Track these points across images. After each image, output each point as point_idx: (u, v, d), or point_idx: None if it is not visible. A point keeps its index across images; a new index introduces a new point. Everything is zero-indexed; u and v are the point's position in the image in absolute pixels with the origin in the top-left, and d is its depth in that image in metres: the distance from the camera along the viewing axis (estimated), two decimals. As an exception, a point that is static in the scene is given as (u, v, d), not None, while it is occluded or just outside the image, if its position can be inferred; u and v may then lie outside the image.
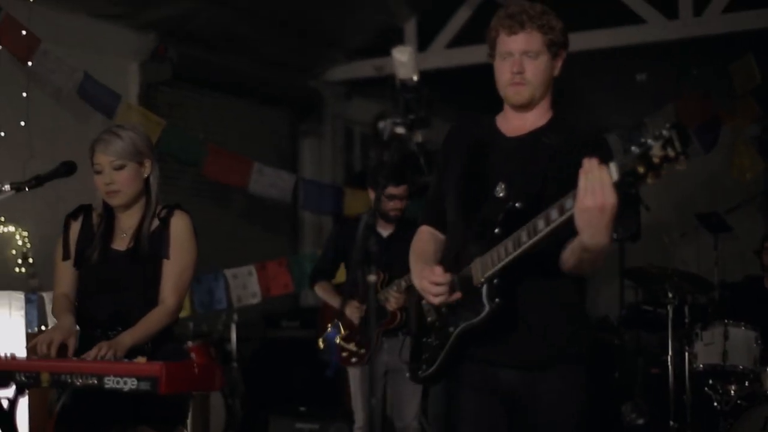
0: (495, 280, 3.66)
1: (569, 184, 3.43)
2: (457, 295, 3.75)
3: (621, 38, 10.09)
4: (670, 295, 7.63)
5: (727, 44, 9.93)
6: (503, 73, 3.96)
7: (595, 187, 3.24)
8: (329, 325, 7.25)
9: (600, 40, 10.09)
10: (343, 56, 11.43)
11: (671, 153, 3.05)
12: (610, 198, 3.22)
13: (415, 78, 3.40)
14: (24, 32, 7.83)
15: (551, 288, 3.80)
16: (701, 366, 7.59)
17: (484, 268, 3.68)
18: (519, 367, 3.82)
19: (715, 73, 10.29)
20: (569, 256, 3.59)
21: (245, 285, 8.92)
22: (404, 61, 3.40)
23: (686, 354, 7.68)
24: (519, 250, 3.54)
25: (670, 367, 7.78)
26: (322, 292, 7.39)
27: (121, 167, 4.76)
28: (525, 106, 3.97)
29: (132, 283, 4.77)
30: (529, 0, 4.03)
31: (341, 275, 7.66)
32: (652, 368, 9.71)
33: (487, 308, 3.67)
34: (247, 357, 9.87)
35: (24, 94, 8.02)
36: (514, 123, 3.99)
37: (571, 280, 3.80)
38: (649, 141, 3.10)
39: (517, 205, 3.67)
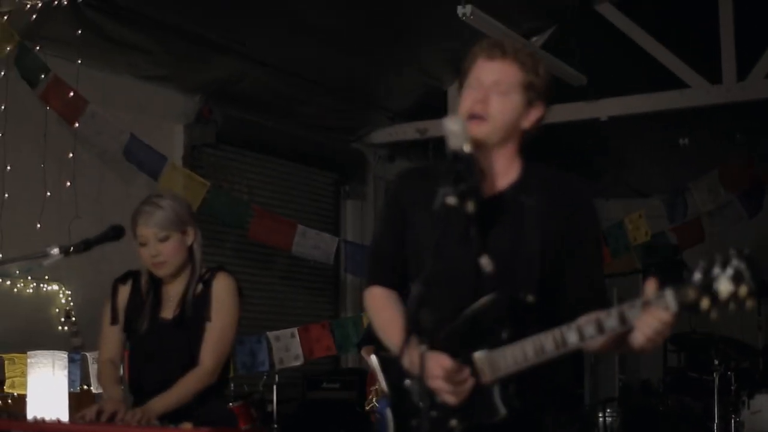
0: (511, 384, 3.38)
1: (566, 260, 3.40)
2: (471, 382, 3.40)
3: (664, 103, 10.04)
4: (716, 361, 7.55)
5: (770, 109, 9.89)
6: (464, 103, 3.53)
7: (658, 338, 3.08)
8: (372, 390, 7.23)
9: (643, 104, 10.06)
10: (387, 119, 11.44)
11: (742, 292, 2.85)
12: (668, 334, 3.08)
13: (467, 148, 3.33)
14: (71, 94, 7.89)
15: (552, 369, 3.45)
16: (748, 434, 7.50)
17: (494, 367, 3.37)
18: None
19: (759, 138, 10.25)
20: (602, 346, 3.33)
21: (288, 347, 8.88)
22: (456, 131, 3.33)
23: (733, 421, 7.59)
24: (541, 359, 3.29)
25: (716, 434, 7.68)
26: (368, 356, 7.37)
27: (165, 239, 4.74)
28: (478, 146, 3.42)
29: (178, 350, 4.75)
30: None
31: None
32: (696, 435, 9.60)
33: (504, 412, 3.38)
34: (288, 418, 9.82)
35: (70, 155, 8.07)
36: None
37: (567, 363, 3.52)
38: (716, 270, 2.90)
39: (529, 299, 3.42)
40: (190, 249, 4.87)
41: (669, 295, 3.02)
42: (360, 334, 8.55)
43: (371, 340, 7.47)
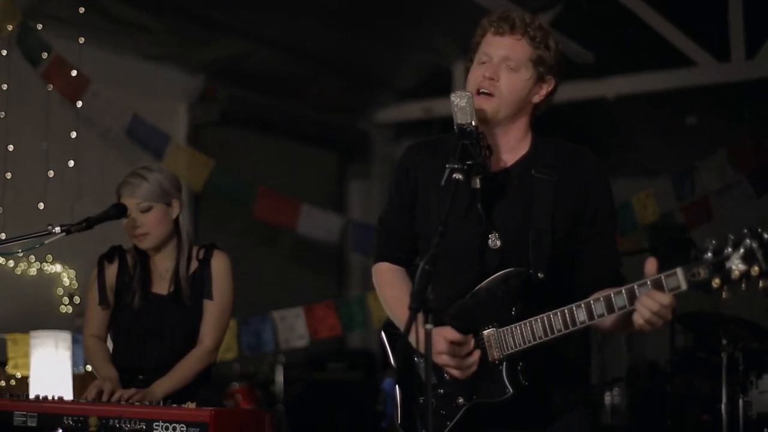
0: (520, 363, 3.40)
1: (577, 235, 3.37)
2: (477, 355, 3.43)
3: (671, 81, 9.97)
4: (724, 342, 7.49)
5: (780, 87, 9.82)
6: (475, 77, 3.52)
7: (660, 321, 3.10)
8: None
9: (650, 82, 10.01)
10: (392, 98, 11.41)
11: (754, 271, 2.86)
12: (670, 317, 3.08)
13: (474, 123, 3.30)
14: (74, 73, 7.85)
15: (561, 352, 3.51)
16: (756, 414, 7.45)
17: (502, 345, 3.39)
18: (524, 426, 3.52)
19: (769, 117, 10.18)
20: (612, 324, 3.34)
21: (293, 327, 8.85)
22: (462, 106, 3.30)
23: (741, 402, 7.53)
24: (550, 338, 3.31)
25: (723, 415, 7.62)
26: None
27: (148, 209, 4.72)
28: (485, 122, 3.46)
29: (177, 330, 4.73)
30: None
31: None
32: (704, 416, 9.55)
33: (511, 391, 3.38)
34: (293, 399, 9.81)
35: (73, 135, 8.03)
36: None
37: (578, 339, 3.54)
38: (728, 249, 2.91)
39: (540, 275, 3.40)
40: (176, 222, 4.83)
41: (680, 273, 3.02)
42: (367, 313, 8.53)
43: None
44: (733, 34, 9.50)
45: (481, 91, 3.48)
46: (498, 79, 3.47)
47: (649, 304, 3.09)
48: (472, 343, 3.42)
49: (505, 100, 3.48)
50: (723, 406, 7.65)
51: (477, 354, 3.41)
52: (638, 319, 3.14)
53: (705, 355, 8.74)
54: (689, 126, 11.48)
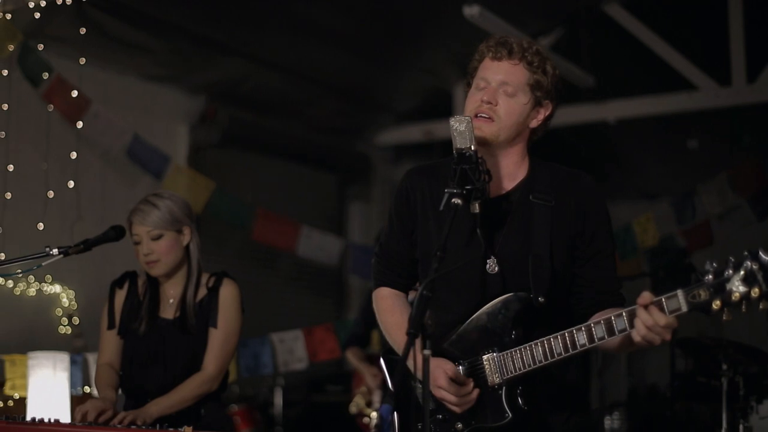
0: (520, 387, 3.40)
1: (575, 259, 3.38)
2: (476, 393, 3.42)
3: (672, 105, 9.97)
4: (725, 366, 7.47)
5: (781, 111, 9.82)
6: (471, 103, 3.53)
7: (656, 338, 3.11)
8: (358, 391, 7.28)
9: (651, 106, 10.00)
10: (392, 120, 11.41)
11: (755, 292, 2.87)
12: (668, 337, 3.09)
13: (473, 147, 3.29)
14: (74, 93, 7.85)
15: (560, 375, 3.53)
16: (756, 440, 7.42)
17: (501, 369, 3.39)
18: None
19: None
20: (613, 346, 3.34)
21: (292, 350, 8.82)
22: (462, 130, 3.30)
23: (741, 427, 7.51)
24: (551, 362, 3.31)
25: (724, 440, 7.60)
26: (352, 357, 7.46)
27: (158, 237, 4.72)
28: (485, 145, 3.48)
29: (181, 355, 4.73)
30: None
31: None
32: (704, 441, 9.54)
33: (510, 416, 3.38)
34: (292, 421, 9.78)
35: (73, 155, 8.02)
36: None
37: (577, 361, 3.53)
38: (729, 272, 2.93)
39: (540, 300, 3.39)
40: (187, 249, 4.82)
41: (680, 295, 3.04)
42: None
43: (357, 341, 7.52)
44: (734, 59, 9.51)
45: (479, 115, 3.48)
46: (496, 103, 3.48)
47: (647, 320, 3.09)
48: (472, 384, 3.41)
49: (504, 125, 3.48)
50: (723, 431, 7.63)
51: (476, 392, 3.41)
52: (635, 335, 3.15)
53: (705, 379, 8.72)
54: (690, 150, 11.48)
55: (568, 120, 9.69)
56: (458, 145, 3.31)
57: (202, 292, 4.83)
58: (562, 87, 3.63)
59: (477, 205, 3.29)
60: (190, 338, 4.75)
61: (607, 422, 9.64)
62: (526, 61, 3.50)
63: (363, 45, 9.59)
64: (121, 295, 4.90)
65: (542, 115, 3.57)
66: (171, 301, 4.84)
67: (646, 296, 3.12)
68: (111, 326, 4.87)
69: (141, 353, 4.79)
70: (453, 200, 3.22)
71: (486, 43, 3.58)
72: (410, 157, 11.93)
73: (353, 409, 7.58)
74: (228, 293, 4.82)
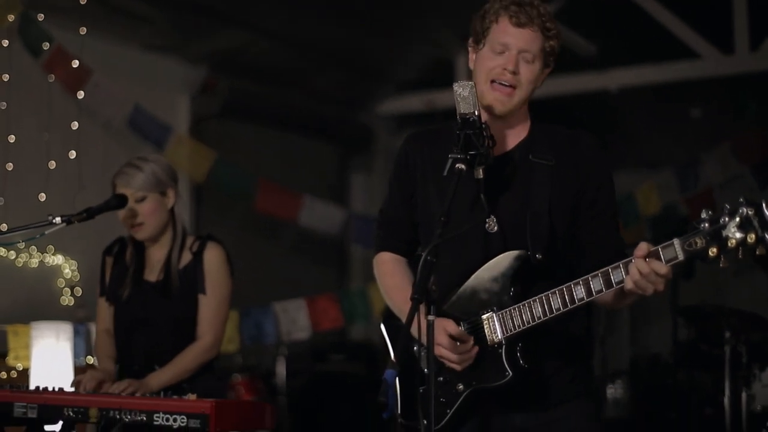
0: (519, 344, 3.38)
1: (577, 218, 3.37)
2: (475, 350, 3.41)
3: (676, 73, 9.94)
4: (727, 334, 7.47)
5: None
6: (491, 67, 3.47)
7: (649, 287, 3.10)
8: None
9: (654, 75, 9.97)
10: (394, 90, 11.38)
11: (751, 238, 2.88)
12: (664, 287, 3.08)
13: (477, 113, 3.28)
14: (75, 64, 7.83)
15: (562, 330, 3.51)
16: (759, 407, 7.42)
17: (502, 327, 3.37)
18: (529, 409, 3.51)
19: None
20: (609, 299, 3.35)
21: (295, 319, 8.85)
22: (465, 96, 3.28)
23: (744, 395, 7.51)
24: (550, 317, 3.30)
25: (726, 408, 7.60)
26: None
27: (142, 199, 4.72)
28: (502, 117, 3.49)
29: (163, 321, 4.72)
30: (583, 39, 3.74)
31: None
32: (706, 409, 9.53)
33: (510, 374, 3.37)
34: (295, 390, 9.80)
35: (74, 126, 8.00)
36: None
37: (580, 316, 3.52)
38: (724, 219, 2.93)
39: (538, 256, 3.38)
40: (172, 212, 4.81)
41: (677, 243, 3.04)
42: (369, 305, 8.53)
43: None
44: (737, 27, 9.48)
45: (500, 82, 3.45)
46: (518, 72, 3.45)
47: (643, 268, 3.09)
48: (472, 341, 3.40)
49: (525, 92, 3.48)
50: (726, 400, 7.64)
51: (475, 349, 3.40)
52: (628, 282, 3.15)
53: (708, 348, 8.73)
54: (693, 118, 11.46)
55: (570, 89, 9.66)
56: (462, 111, 3.30)
57: (187, 256, 4.80)
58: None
59: (481, 170, 3.28)
60: (172, 302, 4.73)
61: (610, 391, 9.65)
62: (544, 27, 3.48)
63: (364, 14, 9.55)
64: (110, 262, 4.92)
65: (545, 75, 3.56)
66: (155, 264, 4.82)
67: (643, 247, 3.12)
68: (102, 293, 4.90)
69: (126, 319, 4.80)
70: (457, 165, 3.21)
71: (501, 3, 3.50)
72: (412, 126, 11.75)
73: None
74: (213, 257, 4.79)
